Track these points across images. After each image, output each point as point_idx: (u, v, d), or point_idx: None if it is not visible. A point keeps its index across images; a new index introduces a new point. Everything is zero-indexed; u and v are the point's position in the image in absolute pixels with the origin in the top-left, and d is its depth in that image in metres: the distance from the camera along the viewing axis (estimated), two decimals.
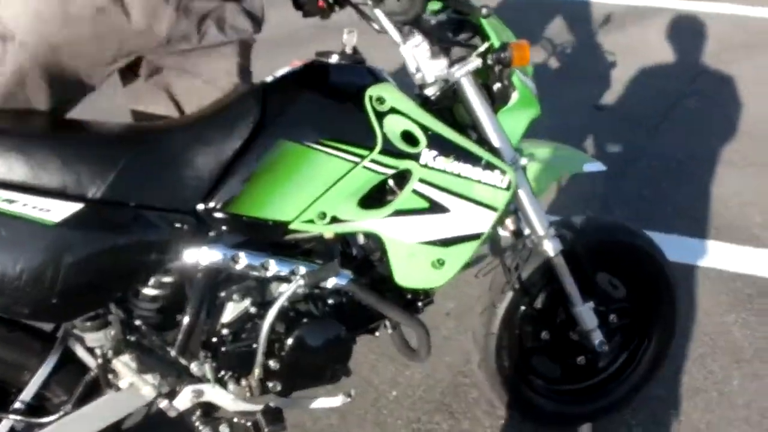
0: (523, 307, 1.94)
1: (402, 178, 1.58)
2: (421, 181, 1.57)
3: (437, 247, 1.60)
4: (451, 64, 1.68)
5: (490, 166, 1.62)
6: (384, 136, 1.53)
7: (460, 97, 1.71)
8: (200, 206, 1.47)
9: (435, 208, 1.59)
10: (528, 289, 1.93)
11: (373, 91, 1.54)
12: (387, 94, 1.55)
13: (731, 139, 3.76)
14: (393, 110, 1.55)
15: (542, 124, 3.95)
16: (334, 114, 1.55)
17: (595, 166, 1.92)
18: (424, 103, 1.70)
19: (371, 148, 1.53)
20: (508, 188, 1.64)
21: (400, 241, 1.59)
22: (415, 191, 1.58)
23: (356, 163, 1.52)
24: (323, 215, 1.52)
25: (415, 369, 2.35)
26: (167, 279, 1.53)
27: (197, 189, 1.46)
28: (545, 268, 1.90)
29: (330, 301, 1.68)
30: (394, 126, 1.55)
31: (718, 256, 2.86)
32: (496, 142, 1.71)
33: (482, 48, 1.70)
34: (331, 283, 1.59)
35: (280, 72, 1.60)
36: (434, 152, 1.57)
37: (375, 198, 1.57)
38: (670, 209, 3.16)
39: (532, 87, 1.78)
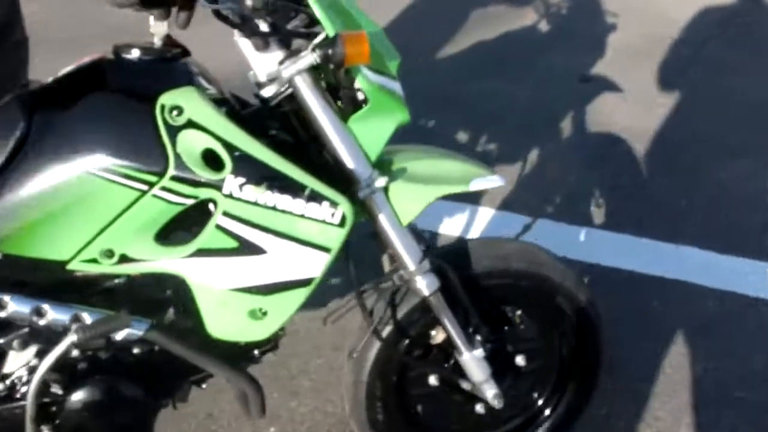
0: (398, 353, 1.58)
1: (205, 209, 1.29)
2: (226, 215, 1.29)
3: (254, 295, 1.33)
4: (284, 59, 1.34)
5: (316, 197, 1.31)
6: (177, 157, 1.25)
7: (297, 101, 1.36)
8: None
9: (246, 248, 1.30)
10: (400, 334, 1.58)
11: (166, 99, 1.25)
12: (185, 102, 1.26)
13: (737, 121, 3.27)
14: (191, 124, 1.25)
15: (519, 97, 3.54)
16: (115, 128, 1.26)
17: (489, 181, 1.51)
18: (264, 106, 1.39)
19: (161, 173, 1.25)
20: (342, 224, 1.33)
21: (208, 286, 1.32)
22: (219, 227, 1.29)
23: (143, 192, 1.26)
24: (110, 253, 1.28)
25: (302, 400, 2.01)
26: None
27: None
28: (421, 308, 1.54)
29: (131, 354, 1.39)
30: (191, 144, 1.26)
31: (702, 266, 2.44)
32: (344, 157, 1.38)
33: (318, 39, 1.34)
34: (122, 334, 1.33)
35: (62, 72, 1.29)
36: (241, 179, 1.28)
37: (178, 233, 1.30)
38: (647, 206, 2.73)
39: (392, 87, 1.40)
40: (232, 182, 1.27)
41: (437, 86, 3.57)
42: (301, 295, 1.35)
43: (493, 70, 3.68)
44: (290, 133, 1.43)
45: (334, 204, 1.31)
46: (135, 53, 1.32)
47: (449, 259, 1.54)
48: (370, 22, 1.43)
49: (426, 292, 1.49)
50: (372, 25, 1.43)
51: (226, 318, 1.35)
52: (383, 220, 1.44)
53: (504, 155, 3.05)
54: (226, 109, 1.34)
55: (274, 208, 1.29)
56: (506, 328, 1.66)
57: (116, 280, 1.39)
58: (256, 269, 1.32)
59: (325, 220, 1.31)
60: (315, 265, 1.33)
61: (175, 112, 1.25)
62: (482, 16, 4.23)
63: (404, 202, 1.44)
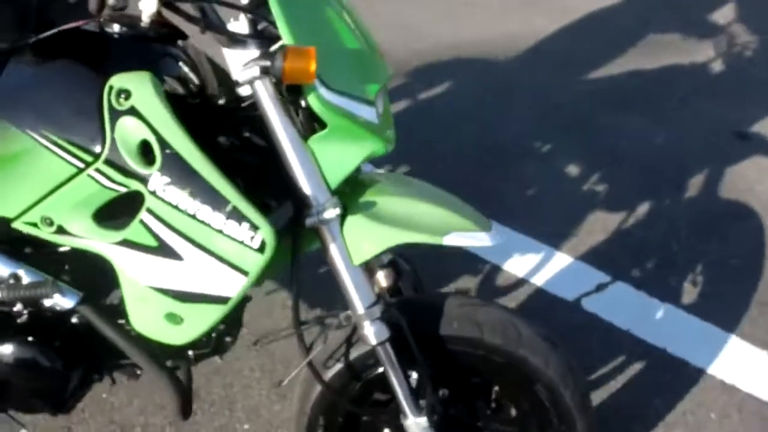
0: (340, 396, 1.42)
1: (138, 201, 1.24)
2: (149, 212, 1.23)
3: (171, 299, 1.26)
4: (250, 61, 1.23)
5: (236, 215, 1.20)
6: (113, 142, 1.22)
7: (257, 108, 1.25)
8: None
9: (165, 250, 1.24)
10: (343, 378, 1.42)
11: (116, 81, 1.20)
12: (134, 87, 1.19)
13: None
14: (133, 111, 1.20)
15: (653, 139, 3.15)
16: (63, 101, 1.24)
17: (471, 238, 1.29)
18: (238, 106, 1.30)
19: (97, 155, 1.23)
20: (261, 250, 1.21)
21: (132, 279, 1.27)
22: (142, 223, 1.24)
23: (80, 169, 1.23)
24: (50, 221, 1.26)
25: (287, 405, 1.90)
26: None
27: None
28: (372, 357, 1.37)
29: (64, 324, 1.38)
30: (129, 132, 1.21)
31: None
32: (298, 178, 1.27)
33: (277, 45, 1.21)
34: (51, 302, 1.32)
35: (48, 32, 1.24)
36: (166, 179, 1.21)
37: (115, 217, 1.26)
38: (756, 308, 2.32)
39: (359, 112, 1.24)
40: (157, 180, 1.21)
41: (568, 108, 3.27)
42: (217, 311, 1.25)
43: (636, 103, 3.31)
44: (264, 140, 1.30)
45: (254, 227, 1.20)
46: (115, 27, 1.25)
47: (409, 312, 1.36)
48: (357, 37, 1.28)
49: (371, 341, 1.33)
50: (357, 42, 1.28)
51: (145, 315, 1.28)
52: (332, 254, 1.30)
53: (608, 199, 2.72)
54: (195, 102, 1.26)
55: (194, 217, 1.21)
56: (477, 401, 1.44)
57: (61, 249, 1.34)
58: (173, 274, 1.24)
59: (244, 241, 1.21)
60: (231, 286, 1.23)
61: (122, 96, 1.19)
62: (652, 41, 3.82)
63: (359, 240, 1.29)
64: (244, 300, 1.48)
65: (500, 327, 1.37)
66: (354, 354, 1.39)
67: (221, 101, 1.35)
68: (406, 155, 2.95)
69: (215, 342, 1.48)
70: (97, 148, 1.21)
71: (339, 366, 1.42)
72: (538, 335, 1.38)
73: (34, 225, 1.26)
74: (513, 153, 2.99)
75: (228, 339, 1.49)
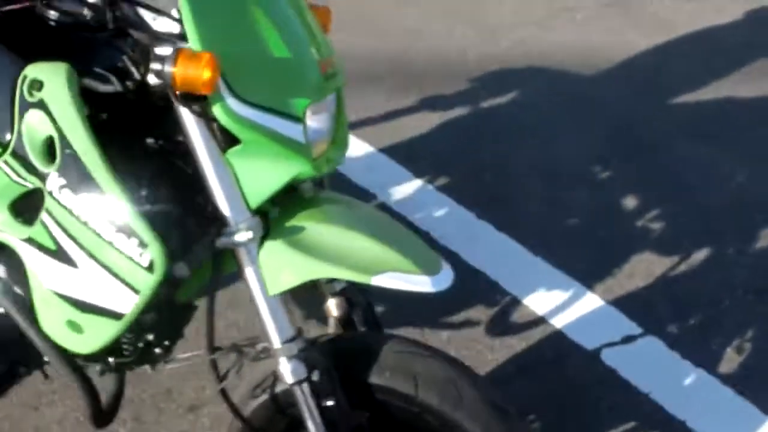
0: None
1: (39, 199, 1.16)
2: (48, 212, 1.15)
3: (71, 306, 1.18)
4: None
5: (126, 229, 1.11)
6: (19, 135, 1.14)
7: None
8: None
9: (62, 256, 1.16)
10: (270, 414, 1.30)
11: (31, 70, 1.12)
12: (47, 79, 1.11)
13: None
14: (42, 105, 1.11)
15: (734, 177, 2.82)
16: None
17: (408, 281, 1.15)
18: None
19: (5, 146, 1.16)
20: (150, 269, 1.11)
21: (37, 279, 1.19)
22: (42, 223, 1.16)
23: None
24: None
25: None
26: None
27: None
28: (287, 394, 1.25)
29: None
30: (35, 126, 1.13)
31: None
32: (213, 191, 1.15)
33: (170, 50, 1.09)
34: None
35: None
36: (63, 180, 1.12)
37: (26, 212, 1.20)
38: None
39: (278, 128, 1.12)
40: (55, 180, 1.12)
41: (640, 131, 2.98)
42: (113, 327, 1.16)
43: (719, 133, 2.98)
44: None
45: (143, 244, 1.10)
46: (55, 13, 1.13)
47: (337, 353, 1.23)
48: (292, 47, 1.14)
49: (286, 379, 1.21)
50: (289, 51, 1.14)
51: (49, 318, 1.20)
52: (248, 280, 1.18)
53: (660, 240, 2.44)
54: (132, 99, 1.15)
55: (86, 224, 1.12)
56: None
57: None
58: (71, 281, 1.15)
59: (133, 258, 1.11)
60: (124, 303, 1.14)
61: (35, 87, 1.11)
62: (753, 68, 3.44)
63: (276, 269, 1.16)
64: (184, 311, 1.38)
65: (439, 384, 1.20)
66: (280, 387, 1.26)
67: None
68: (451, 164, 2.78)
69: (141, 352, 1.38)
70: (5, 139, 1.14)
71: (264, 398, 1.29)
72: (482, 399, 1.20)
73: None
74: (566, 175, 2.75)
75: (159, 350, 1.38)
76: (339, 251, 1.15)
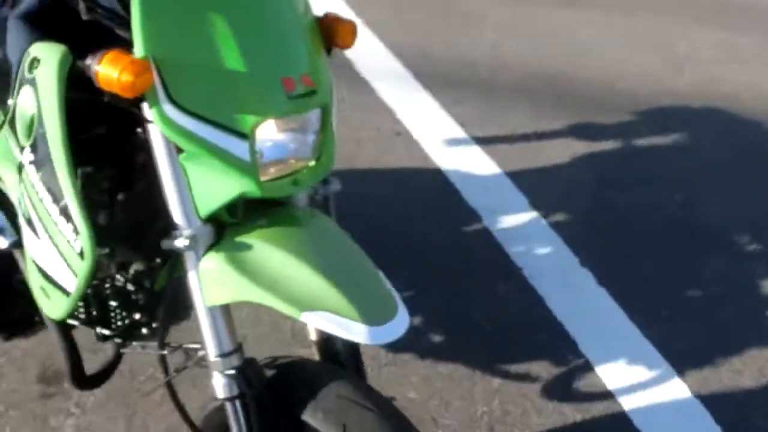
0: None
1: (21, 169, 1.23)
2: (23, 183, 1.20)
3: (39, 273, 1.22)
4: None
5: (66, 213, 1.12)
6: (14, 108, 1.20)
7: None
8: None
9: (31, 225, 1.20)
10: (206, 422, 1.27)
11: (34, 49, 1.15)
12: (44, 57, 1.13)
13: None
14: (33, 83, 1.14)
15: None
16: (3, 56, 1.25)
17: (339, 326, 1.05)
18: None
19: (5, 112, 1.24)
20: (81, 256, 1.12)
21: (24, 241, 1.24)
22: (21, 192, 1.21)
23: (2, 123, 1.26)
24: None
25: None
26: None
27: None
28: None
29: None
30: (25, 102, 1.17)
31: None
32: (164, 191, 1.13)
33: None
34: None
35: None
36: (32, 156, 1.16)
37: None
38: None
39: (219, 143, 1.06)
40: (27, 155, 1.17)
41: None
42: (65, 301, 1.18)
43: None
44: None
45: (76, 230, 1.10)
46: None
47: (276, 378, 1.18)
48: (255, 59, 1.07)
49: (216, 393, 1.17)
50: (251, 65, 1.07)
51: (31, 279, 1.25)
52: (189, 286, 1.15)
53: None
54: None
55: (41, 201, 1.16)
56: None
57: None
58: (38, 250, 1.20)
59: (70, 241, 1.12)
60: (68, 281, 1.16)
61: (34, 65, 1.14)
62: None
63: (212, 282, 1.12)
64: (164, 298, 1.36)
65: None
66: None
67: None
68: (576, 201, 2.53)
69: (127, 329, 1.39)
70: (4, 106, 1.22)
71: (212, 405, 1.24)
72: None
73: None
74: (704, 239, 2.40)
75: (146, 331, 1.39)
76: (278, 278, 1.07)
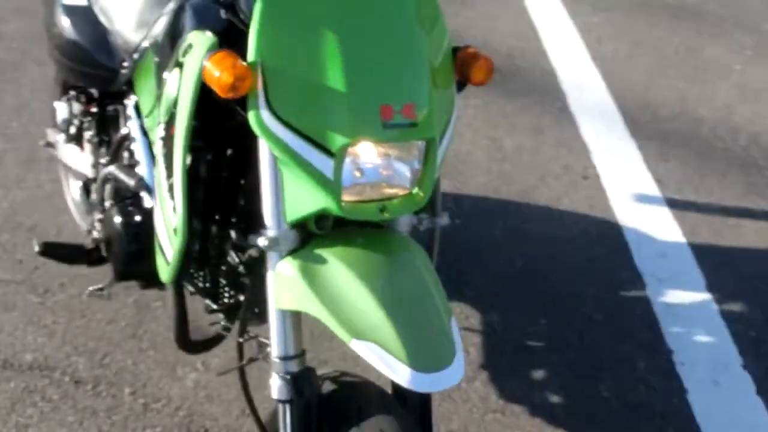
0: None
1: None
2: (155, 154, 1.32)
3: (156, 236, 1.32)
4: None
5: (171, 191, 1.22)
6: (164, 85, 1.30)
7: None
8: None
9: (156, 192, 1.32)
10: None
11: (191, 36, 1.23)
12: (195, 45, 1.20)
13: None
14: (181, 67, 1.23)
15: None
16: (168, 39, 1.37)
17: (394, 366, 1.03)
18: None
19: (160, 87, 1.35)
20: (175, 232, 1.22)
21: (153, 201, 1.39)
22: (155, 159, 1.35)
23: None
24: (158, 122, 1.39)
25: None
26: None
27: None
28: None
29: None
30: (172, 82, 1.27)
31: None
32: (263, 188, 1.16)
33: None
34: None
35: None
36: (163, 133, 1.27)
37: None
38: None
39: (309, 157, 1.08)
40: (160, 131, 1.28)
41: None
42: (165, 267, 1.28)
43: None
44: None
45: (174, 209, 1.19)
46: None
47: (330, 391, 1.20)
48: (346, 78, 1.07)
49: (272, 393, 1.20)
50: (355, 86, 1.07)
51: (154, 239, 1.35)
52: (267, 284, 1.19)
53: None
54: None
55: (160, 175, 1.26)
56: None
57: None
58: (156, 215, 1.30)
59: (169, 217, 1.21)
60: (168, 252, 1.25)
61: (187, 51, 1.22)
62: None
63: (282, 286, 1.15)
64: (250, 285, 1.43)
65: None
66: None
67: None
68: (764, 305, 2.25)
69: (227, 306, 1.46)
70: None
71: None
72: None
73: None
74: None
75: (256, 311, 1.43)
76: (341, 299, 1.07)
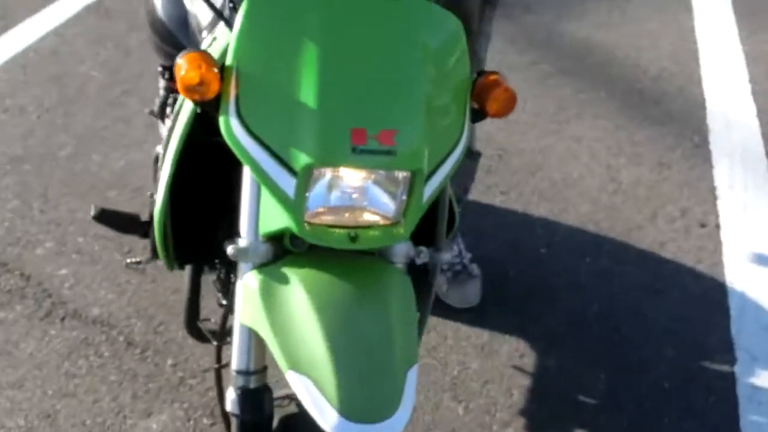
0: None
1: None
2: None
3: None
4: None
5: (159, 177, 1.30)
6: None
7: None
8: None
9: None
10: None
11: (218, 30, 1.24)
12: (218, 39, 1.20)
13: None
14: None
15: None
16: None
17: (321, 406, 0.97)
18: None
19: None
20: (153, 220, 1.29)
21: None
22: None
23: None
24: None
25: None
26: None
27: None
28: None
29: None
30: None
31: None
32: (242, 200, 1.14)
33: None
34: None
35: None
36: (173, 121, 1.28)
37: None
38: None
39: (272, 174, 1.03)
40: (170, 120, 1.29)
41: None
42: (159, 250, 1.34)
43: None
44: None
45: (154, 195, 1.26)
46: None
47: (283, 417, 1.19)
48: (320, 97, 1.01)
49: (227, 406, 1.20)
50: (314, 102, 1.00)
51: None
52: (234, 294, 1.17)
53: None
54: None
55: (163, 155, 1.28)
56: None
57: None
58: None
59: (155, 201, 1.25)
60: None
61: (210, 44, 1.22)
62: None
63: (246, 302, 1.12)
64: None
65: None
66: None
67: None
68: None
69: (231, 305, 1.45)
70: None
71: None
72: None
73: None
74: None
75: None
76: (290, 325, 1.02)
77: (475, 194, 2.47)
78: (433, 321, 2.06)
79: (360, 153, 1.00)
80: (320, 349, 0.99)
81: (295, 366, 0.99)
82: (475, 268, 2.15)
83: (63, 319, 2.04)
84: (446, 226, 1.27)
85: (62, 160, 2.60)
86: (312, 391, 0.97)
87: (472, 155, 2.12)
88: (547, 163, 2.66)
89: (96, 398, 1.85)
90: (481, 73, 1.14)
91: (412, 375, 1.02)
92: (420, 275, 1.22)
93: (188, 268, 1.45)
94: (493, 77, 1.12)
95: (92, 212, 1.78)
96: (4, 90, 2.97)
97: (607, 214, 2.47)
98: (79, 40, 3.29)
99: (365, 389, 0.98)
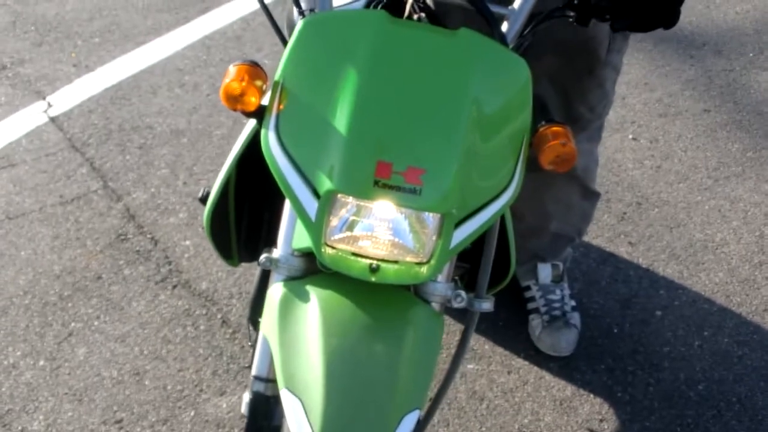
0: None
1: None
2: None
3: None
4: None
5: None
6: None
7: None
8: None
9: None
10: None
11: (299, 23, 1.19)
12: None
13: None
14: None
15: None
16: None
17: (299, 423, 0.99)
18: None
19: None
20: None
21: None
22: None
23: None
24: None
25: None
26: None
27: None
28: None
29: None
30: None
31: None
32: (284, 211, 1.17)
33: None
34: None
35: None
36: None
37: None
38: None
39: (298, 193, 1.05)
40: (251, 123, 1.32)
41: None
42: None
43: None
44: None
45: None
46: None
47: None
48: (352, 124, 1.00)
49: (242, 407, 1.24)
50: (346, 128, 1.00)
51: None
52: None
53: None
54: None
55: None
56: None
57: None
58: None
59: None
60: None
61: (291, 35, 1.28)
62: None
63: (268, 311, 1.13)
64: None
65: None
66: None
67: None
68: None
69: None
70: None
71: None
72: None
73: None
74: None
75: None
76: (296, 344, 1.04)
77: (600, 240, 2.36)
78: (517, 362, 2.00)
79: (382, 187, 0.99)
80: (316, 373, 0.99)
81: (290, 385, 1.00)
82: (575, 317, 2.05)
83: (175, 287, 2.20)
84: (497, 275, 1.23)
85: (216, 139, 2.79)
86: (298, 412, 0.97)
87: (588, 195, 2.01)
88: (690, 221, 2.47)
89: (182, 367, 1.98)
90: (549, 120, 1.09)
91: (410, 420, 1.00)
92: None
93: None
94: (555, 128, 1.06)
95: (200, 194, 1.90)
96: (186, 67, 3.22)
97: (743, 288, 2.25)
98: (261, 29, 3.50)
99: (349, 424, 0.97)
